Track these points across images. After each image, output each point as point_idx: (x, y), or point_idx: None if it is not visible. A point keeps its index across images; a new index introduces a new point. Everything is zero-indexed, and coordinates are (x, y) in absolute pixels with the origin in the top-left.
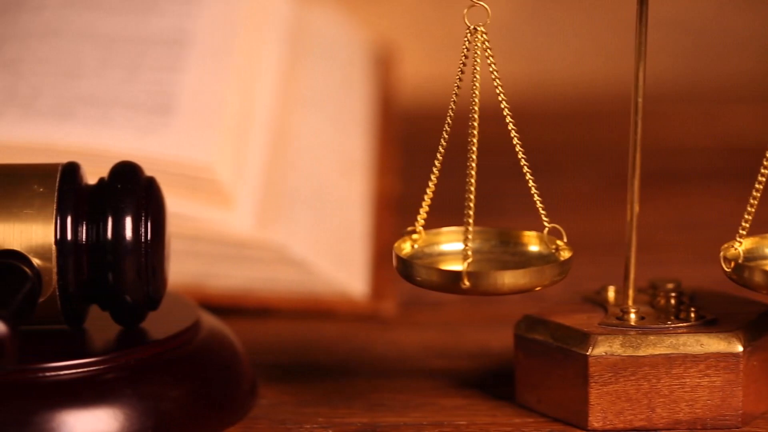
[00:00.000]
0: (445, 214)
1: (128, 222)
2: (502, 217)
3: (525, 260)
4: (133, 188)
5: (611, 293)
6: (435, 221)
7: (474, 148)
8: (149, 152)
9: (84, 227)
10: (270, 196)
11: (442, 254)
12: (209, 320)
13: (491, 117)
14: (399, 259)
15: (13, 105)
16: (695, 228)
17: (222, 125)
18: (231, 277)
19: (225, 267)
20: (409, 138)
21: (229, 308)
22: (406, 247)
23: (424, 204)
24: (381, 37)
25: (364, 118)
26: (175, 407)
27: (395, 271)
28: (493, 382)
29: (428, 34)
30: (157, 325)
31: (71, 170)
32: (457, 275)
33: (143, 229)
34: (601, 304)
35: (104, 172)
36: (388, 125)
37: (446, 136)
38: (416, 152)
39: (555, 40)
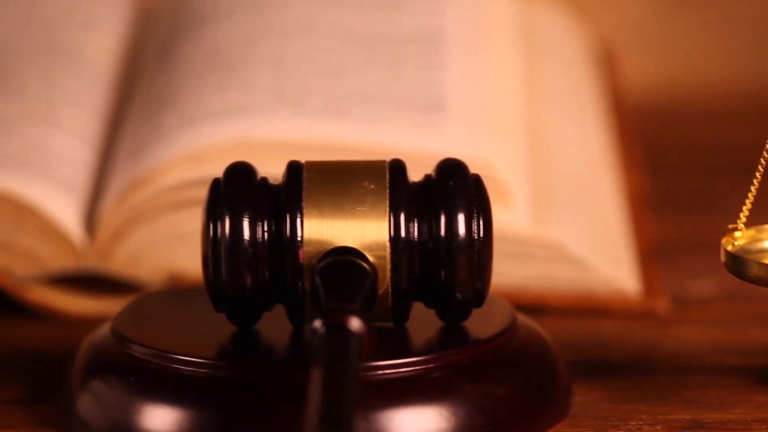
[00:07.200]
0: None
1: (461, 219)
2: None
3: None
4: (464, 185)
5: None
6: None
7: None
8: (428, 149)
9: (416, 224)
10: (539, 193)
11: (763, 251)
12: (522, 318)
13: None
14: (729, 255)
15: (284, 103)
16: None
17: (495, 123)
18: (508, 275)
19: (503, 264)
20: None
21: None
22: (728, 244)
23: (747, 202)
24: (602, 35)
25: (598, 116)
26: (506, 406)
27: (724, 266)
28: None
29: (646, 33)
30: (474, 322)
31: (399, 167)
32: None
33: (475, 227)
34: None
35: None
36: (623, 123)
37: None
38: (651, 150)
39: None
